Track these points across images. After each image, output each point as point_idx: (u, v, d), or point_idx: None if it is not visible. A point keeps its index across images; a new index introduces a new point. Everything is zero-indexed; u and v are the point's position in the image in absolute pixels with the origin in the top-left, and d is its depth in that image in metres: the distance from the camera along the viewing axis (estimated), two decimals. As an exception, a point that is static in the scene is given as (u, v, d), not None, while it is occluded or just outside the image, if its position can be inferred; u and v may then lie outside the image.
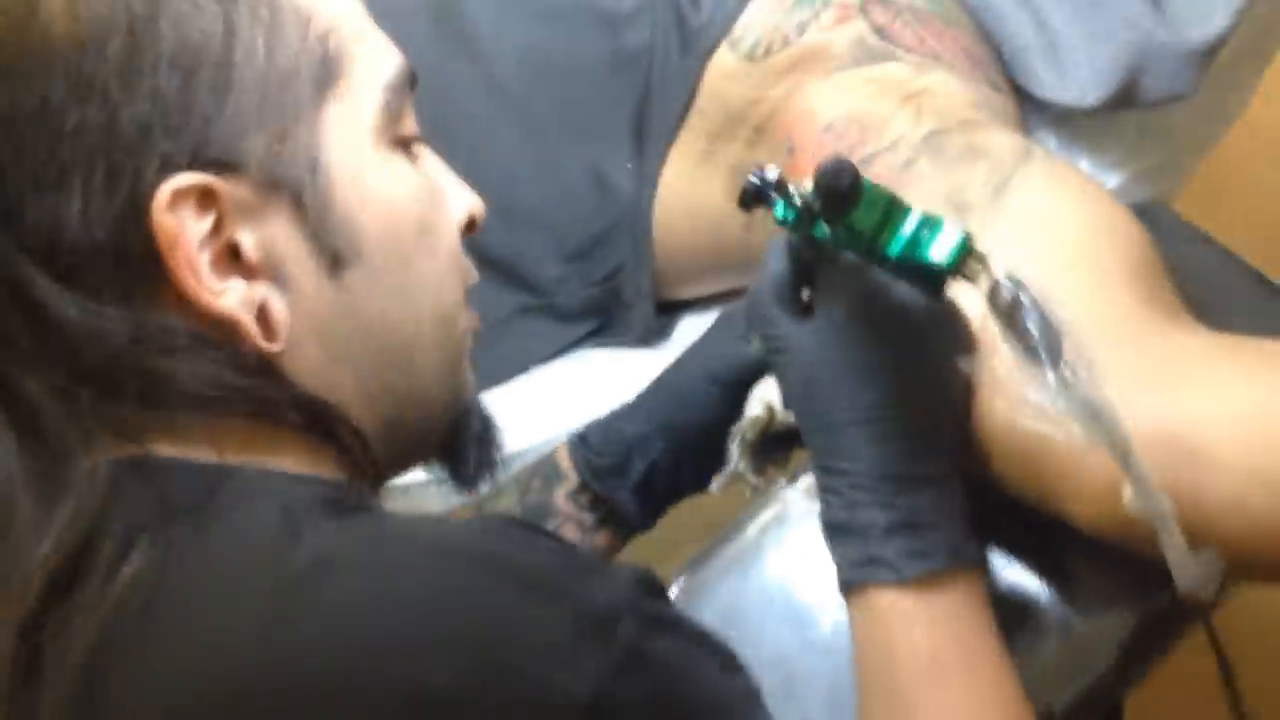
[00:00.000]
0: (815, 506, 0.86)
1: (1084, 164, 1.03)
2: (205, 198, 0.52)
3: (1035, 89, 0.98)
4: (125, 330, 0.52)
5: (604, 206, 1.00)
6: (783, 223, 0.69)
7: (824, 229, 0.66)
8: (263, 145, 0.53)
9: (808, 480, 0.87)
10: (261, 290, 0.54)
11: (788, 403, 0.74)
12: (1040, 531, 0.77)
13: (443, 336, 0.61)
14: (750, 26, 0.94)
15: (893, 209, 0.63)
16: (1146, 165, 1.03)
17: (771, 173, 0.68)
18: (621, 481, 0.80)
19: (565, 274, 1.04)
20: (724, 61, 0.95)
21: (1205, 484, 0.68)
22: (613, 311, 1.06)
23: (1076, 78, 0.95)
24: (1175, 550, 0.63)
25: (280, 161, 0.54)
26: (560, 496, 0.82)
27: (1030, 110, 1.01)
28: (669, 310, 1.08)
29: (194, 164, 0.52)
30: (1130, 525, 0.62)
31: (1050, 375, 0.62)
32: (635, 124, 0.98)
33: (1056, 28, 0.96)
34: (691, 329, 1.08)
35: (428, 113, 0.61)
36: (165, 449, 0.53)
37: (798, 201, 0.67)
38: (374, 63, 0.58)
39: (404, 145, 0.59)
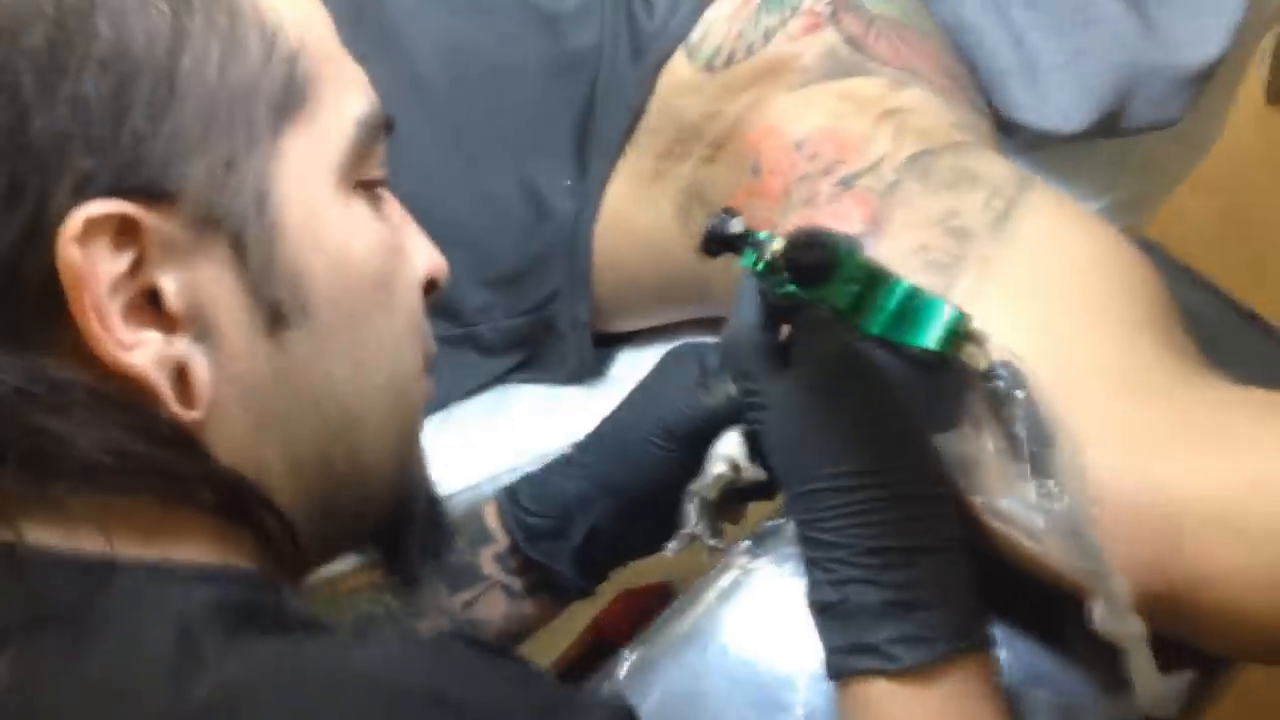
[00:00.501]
0: (781, 569, 0.78)
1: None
2: (125, 230, 0.44)
3: (1012, 112, 0.90)
4: (9, 378, 0.43)
5: (537, 228, 0.90)
6: (753, 271, 0.61)
7: (791, 290, 0.60)
8: (203, 173, 0.45)
9: (774, 539, 0.78)
10: (182, 346, 0.45)
11: (769, 462, 0.66)
12: (1046, 603, 0.68)
13: (395, 408, 0.52)
14: (710, 32, 0.85)
15: (874, 284, 0.57)
16: (1123, 196, 0.96)
17: (736, 225, 0.62)
18: (558, 546, 0.71)
19: (489, 302, 0.93)
20: (679, 70, 0.85)
21: (1236, 556, 0.61)
22: (543, 344, 0.95)
23: (1058, 102, 0.88)
24: (1143, 672, 0.61)
25: (222, 194, 0.46)
26: (486, 559, 0.72)
27: (998, 134, 0.93)
28: (604, 343, 0.98)
29: (117, 189, 0.44)
30: None
31: (1032, 486, 0.59)
32: (577, 137, 0.88)
33: (1036, 46, 0.88)
34: (630, 365, 0.98)
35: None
36: (42, 533, 0.43)
37: (767, 255, 0.60)
38: (346, 95, 0.51)
39: (367, 190, 0.52)
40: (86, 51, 0.44)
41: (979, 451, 0.60)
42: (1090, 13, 0.87)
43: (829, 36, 0.85)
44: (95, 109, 0.43)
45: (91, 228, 0.43)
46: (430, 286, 0.57)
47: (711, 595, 0.77)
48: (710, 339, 0.95)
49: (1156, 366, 0.68)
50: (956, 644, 0.58)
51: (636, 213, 0.89)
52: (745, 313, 0.65)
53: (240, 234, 0.46)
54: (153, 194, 0.44)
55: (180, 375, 0.45)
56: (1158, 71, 0.84)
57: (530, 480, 0.73)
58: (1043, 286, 0.71)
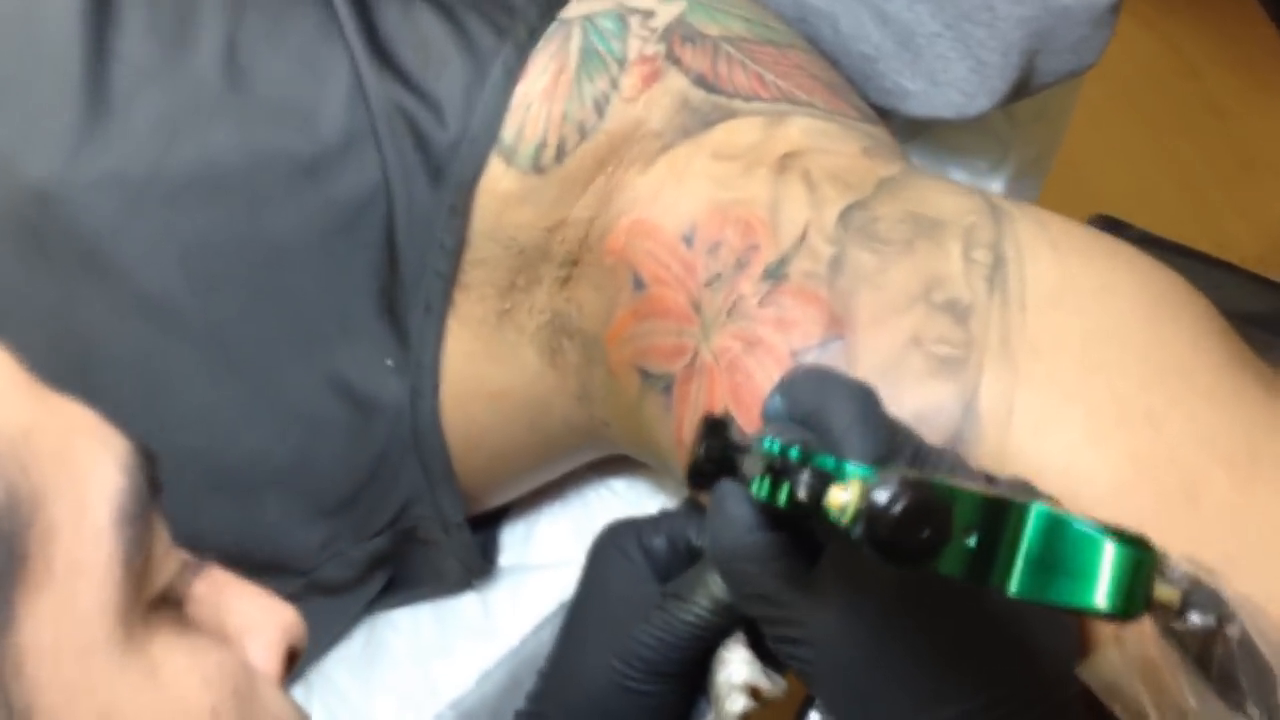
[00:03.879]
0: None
1: (958, 178, 0.79)
2: None
3: (895, 104, 0.72)
4: None
5: (364, 430, 0.66)
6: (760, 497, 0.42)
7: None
8: None
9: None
10: None
11: (828, 709, 0.47)
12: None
13: None
14: (526, 123, 0.62)
15: (996, 526, 0.36)
16: (1024, 157, 0.80)
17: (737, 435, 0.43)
18: None
19: (328, 536, 0.69)
20: (499, 182, 0.63)
21: None
22: (408, 557, 0.72)
23: (952, 80, 0.70)
24: None
25: None
26: None
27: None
28: (477, 526, 0.75)
29: None
30: None
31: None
32: (385, 301, 0.65)
33: (903, 16, 0.70)
34: (520, 545, 0.76)
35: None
36: None
37: (802, 492, 0.39)
38: (85, 492, 0.36)
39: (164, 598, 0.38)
40: None
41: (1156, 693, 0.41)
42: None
43: (674, 82, 0.64)
44: None
45: None
46: (292, 657, 0.43)
47: None
48: (635, 511, 0.75)
49: (1270, 425, 0.52)
50: None
51: (490, 370, 0.67)
52: (735, 516, 0.45)
53: None
54: None
55: None
56: (1069, 14, 0.67)
57: None
58: (1095, 356, 0.53)
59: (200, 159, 0.61)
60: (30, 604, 0.33)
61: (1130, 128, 1.78)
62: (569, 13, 0.64)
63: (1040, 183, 0.81)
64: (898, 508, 0.33)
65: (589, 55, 0.63)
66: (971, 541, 0.34)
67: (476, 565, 0.73)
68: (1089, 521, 0.35)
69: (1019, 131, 0.79)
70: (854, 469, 0.37)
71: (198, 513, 0.66)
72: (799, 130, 0.63)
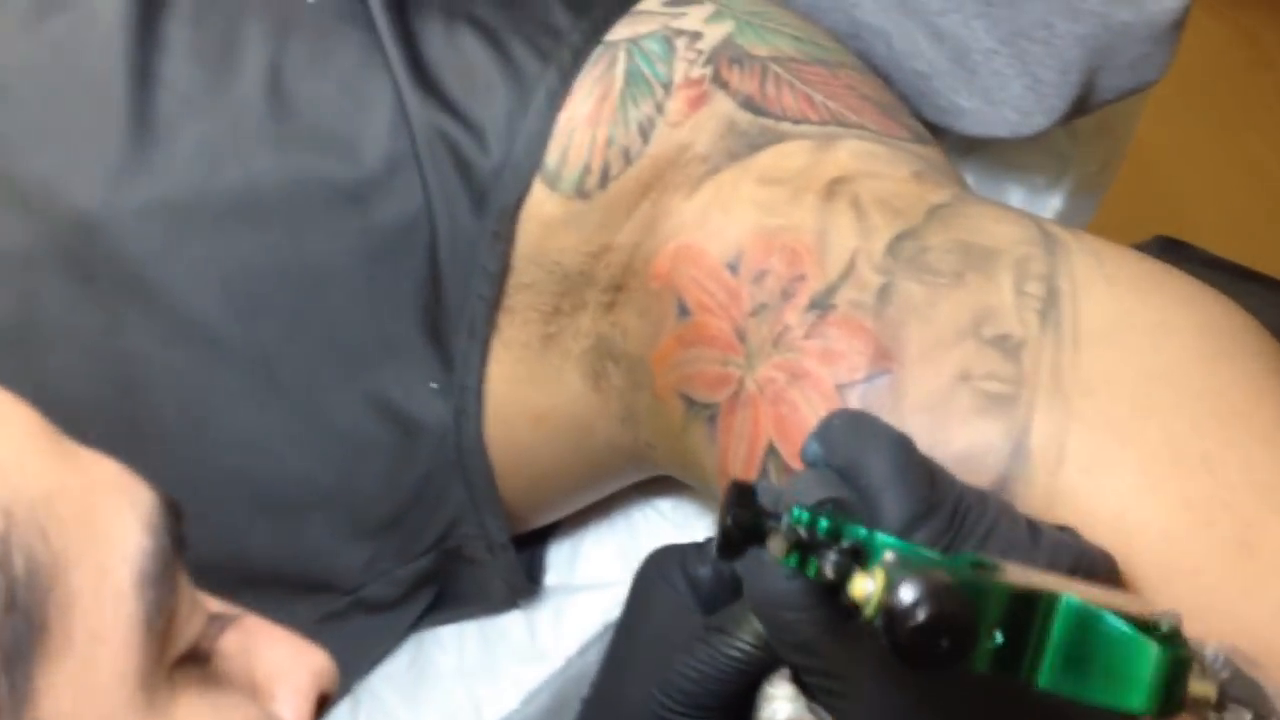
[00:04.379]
0: None
1: (1015, 194, 0.77)
2: None
3: (951, 123, 0.70)
4: None
5: (409, 451, 0.66)
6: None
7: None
8: None
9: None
10: None
11: None
12: None
13: None
14: (570, 148, 0.62)
15: (1025, 620, 0.35)
16: (1086, 172, 0.78)
17: (772, 500, 0.40)
18: None
19: (372, 554, 0.69)
20: (542, 206, 0.62)
21: None
22: (454, 576, 0.72)
23: (1008, 99, 0.68)
24: None
25: None
26: None
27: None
28: (522, 545, 0.75)
29: None
30: None
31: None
32: (429, 325, 0.64)
33: (959, 33, 0.68)
34: (567, 565, 0.76)
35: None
36: None
37: (830, 571, 0.38)
38: (106, 555, 0.35)
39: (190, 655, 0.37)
40: None
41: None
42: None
43: (721, 105, 0.63)
44: None
45: None
46: (322, 702, 0.43)
47: None
48: (681, 533, 0.75)
49: None
50: None
51: (533, 393, 0.66)
52: (773, 581, 0.44)
53: None
54: None
55: None
56: (1129, 31, 0.65)
57: None
58: (1150, 396, 0.52)
59: (243, 185, 0.61)
60: (50, 675, 0.33)
61: (1201, 122, 1.74)
62: (614, 35, 0.63)
63: (1100, 197, 0.79)
64: (920, 615, 0.32)
65: (634, 79, 0.62)
66: (999, 638, 0.33)
67: (522, 585, 0.73)
68: (1120, 619, 0.34)
69: (1079, 147, 0.77)
70: (884, 540, 0.37)
71: (244, 534, 0.66)
72: (848, 153, 0.62)
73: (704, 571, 0.55)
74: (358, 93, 0.62)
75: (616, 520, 0.76)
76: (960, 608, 0.32)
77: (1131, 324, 0.54)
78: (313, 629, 0.70)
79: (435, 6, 0.63)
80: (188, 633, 0.37)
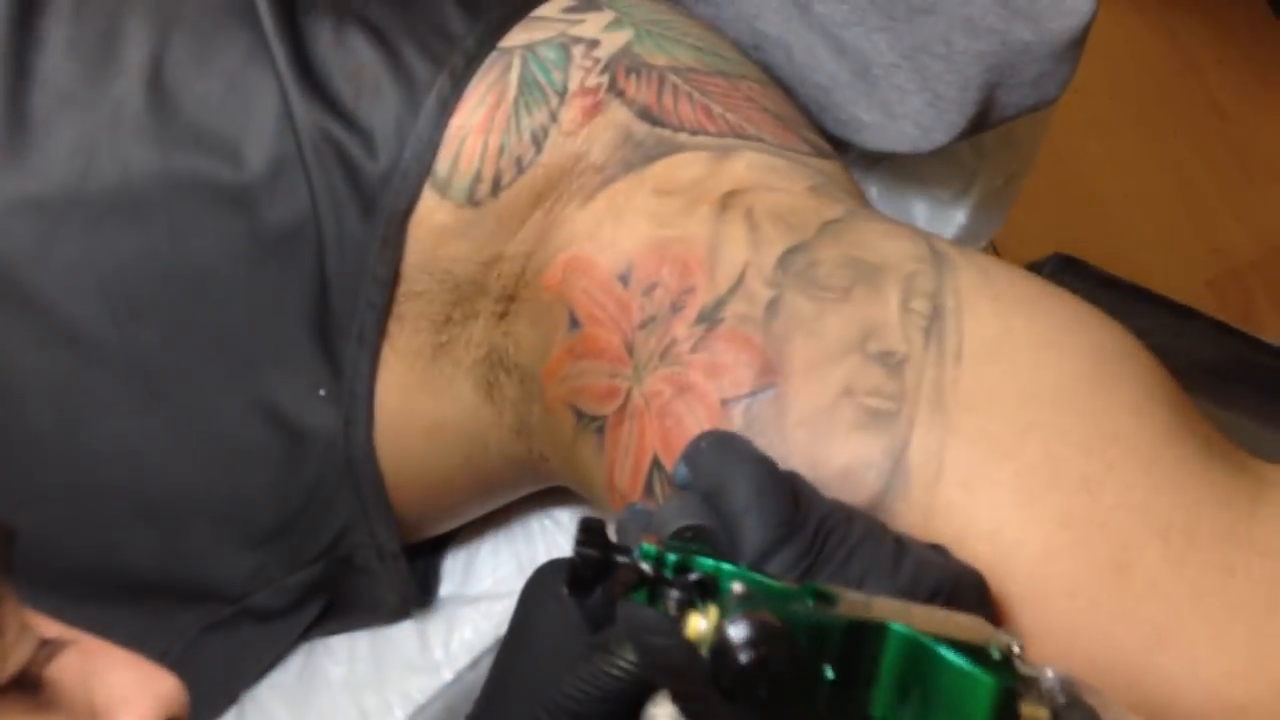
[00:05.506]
0: None
1: (920, 208, 0.77)
2: None
3: (851, 136, 0.70)
4: None
5: (296, 459, 0.65)
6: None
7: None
8: None
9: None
10: None
11: None
12: None
13: None
14: (461, 155, 0.60)
15: (856, 653, 0.35)
16: (992, 186, 0.78)
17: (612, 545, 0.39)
18: None
19: (259, 563, 0.67)
20: (433, 215, 0.61)
21: None
22: (344, 586, 0.71)
23: (908, 113, 0.68)
24: None
25: None
26: None
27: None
28: (417, 555, 0.74)
29: None
30: None
31: None
32: (317, 331, 0.63)
33: (860, 45, 0.68)
34: (461, 574, 0.75)
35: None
36: None
37: (673, 608, 0.38)
38: None
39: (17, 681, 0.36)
40: None
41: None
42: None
43: (616, 115, 0.62)
44: None
45: None
46: None
47: None
48: (572, 536, 0.74)
49: (1210, 499, 0.51)
50: None
51: (425, 403, 0.65)
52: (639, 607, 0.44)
53: None
54: None
55: None
56: (1029, 50, 0.65)
57: None
58: (1030, 415, 0.52)
59: (120, 184, 0.59)
60: None
61: (1128, 125, 1.75)
62: (510, 41, 0.62)
63: (1005, 212, 0.79)
64: (743, 658, 0.32)
65: (529, 86, 0.61)
66: (830, 673, 0.33)
67: (413, 596, 0.72)
68: (954, 649, 0.34)
69: (984, 161, 0.77)
70: (730, 571, 0.36)
71: (123, 542, 0.65)
72: (745, 166, 0.61)
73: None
74: (242, 92, 0.60)
75: (515, 530, 0.75)
76: (786, 650, 0.32)
77: (1015, 342, 0.54)
78: (197, 638, 0.69)
79: (326, 6, 0.62)
80: (15, 658, 0.36)
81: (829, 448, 0.52)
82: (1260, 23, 1.85)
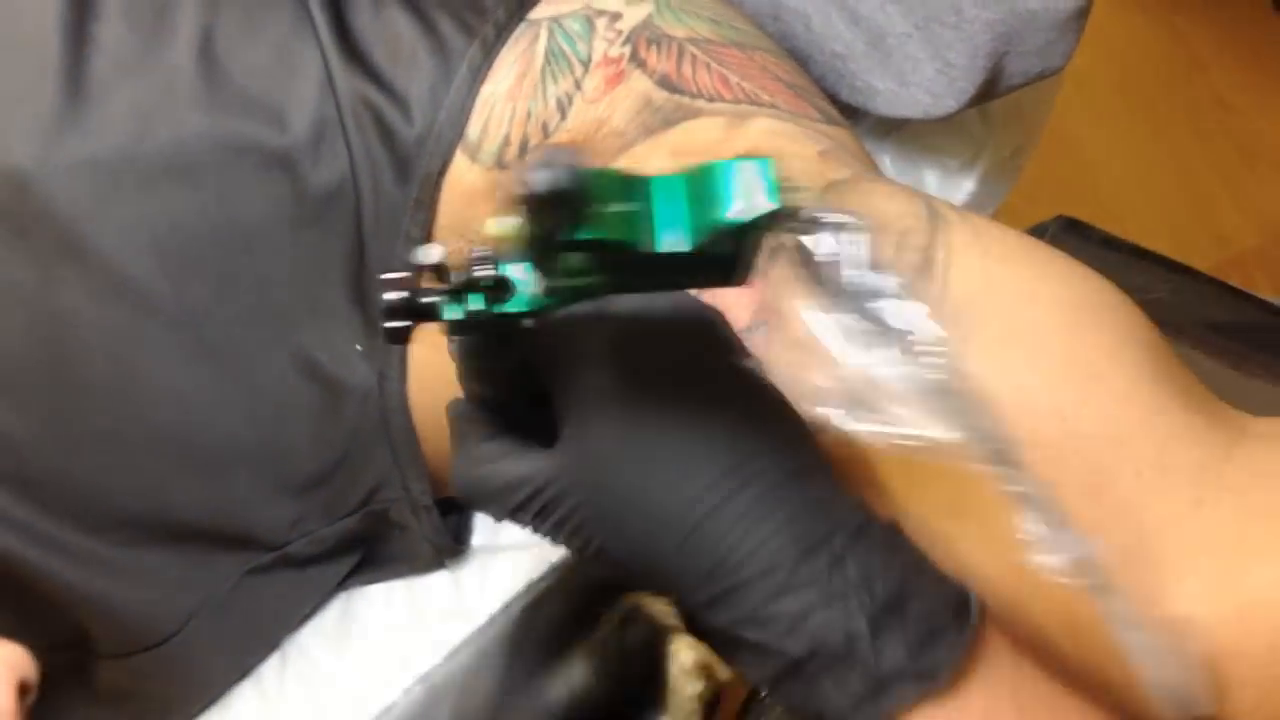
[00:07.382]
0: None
1: (930, 176, 0.80)
2: None
3: (865, 103, 0.73)
4: None
5: (333, 411, 0.68)
6: (461, 327, 0.46)
7: (523, 299, 0.44)
8: None
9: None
10: None
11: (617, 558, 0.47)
12: None
13: None
14: (490, 120, 0.64)
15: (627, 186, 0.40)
16: (998, 157, 0.81)
17: (433, 253, 0.44)
18: None
19: (298, 513, 0.71)
20: (464, 177, 0.65)
21: None
22: (380, 539, 0.74)
23: (920, 81, 0.71)
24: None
25: None
26: None
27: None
28: (449, 508, 0.77)
29: None
30: None
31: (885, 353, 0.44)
32: (354, 288, 0.66)
33: (875, 16, 0.71)
34: (490, 526, 0.78)
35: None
36: None
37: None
38: None
39: None
40: None
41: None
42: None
43: (637, 83, 0.65)
44: None
45: None
46: (22, 692, 0.47)
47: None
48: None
49: (1185, 437, 0.54)
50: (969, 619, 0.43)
51: (456, 359, 0.69)
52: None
53: None
54: None
55: None
56: (1036, 19, 0.68)
57: None
58: (1006, 357, 0.55)
59: (173, 147, 0.63)
60: None
61: (1133, 119, 1.78)
62: (537, 14, 0.65)
63: (1011, 184, 0.82)
64: (535, 167, 0.36)
65: (554, 56, 0.64)
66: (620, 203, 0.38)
67: (447, 547, 0.75)
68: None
69: (993, 131, 0.80)
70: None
71: (169, 488, 0.68)
72: (759, 130, 0.64)
73: None
74: (287, 60, 0.63)
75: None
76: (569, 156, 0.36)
77: (997, 291, 0.57)
78: (240, 582, 0.72)
79: (364, -20, 0.66)
80: None
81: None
82: (1261, 18, 1.88)
